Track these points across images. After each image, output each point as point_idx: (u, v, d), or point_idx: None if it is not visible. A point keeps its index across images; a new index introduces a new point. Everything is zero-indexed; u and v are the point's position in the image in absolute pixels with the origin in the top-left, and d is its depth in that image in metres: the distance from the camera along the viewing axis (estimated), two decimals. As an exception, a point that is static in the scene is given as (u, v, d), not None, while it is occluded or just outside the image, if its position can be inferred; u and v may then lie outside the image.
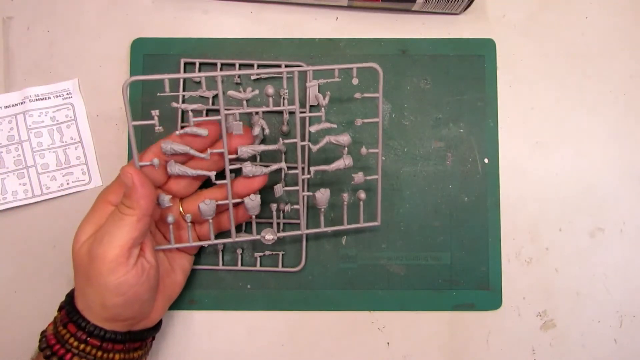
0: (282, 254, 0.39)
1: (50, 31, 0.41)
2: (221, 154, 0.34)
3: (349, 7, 0.42)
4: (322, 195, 0.36)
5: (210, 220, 0.35)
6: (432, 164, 0.40)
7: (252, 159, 0.38)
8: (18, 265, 0.39)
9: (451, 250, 0.39)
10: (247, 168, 0.34)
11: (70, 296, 0.33)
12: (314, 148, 0.36)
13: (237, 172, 0.36)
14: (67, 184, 0.40)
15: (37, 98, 0.40)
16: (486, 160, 0.40)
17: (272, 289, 0.39)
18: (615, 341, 0.39)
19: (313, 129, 0.35)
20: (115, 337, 0.32)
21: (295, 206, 0.37)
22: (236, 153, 0.35)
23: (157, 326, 0.36)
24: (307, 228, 0.38)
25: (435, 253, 0.40)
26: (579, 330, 0.39)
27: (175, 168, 0.34)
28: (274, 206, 0.37)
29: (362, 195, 0.37)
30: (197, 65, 0.40)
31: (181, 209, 0.36)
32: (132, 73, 0.40)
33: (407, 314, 0.39)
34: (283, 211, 0.39)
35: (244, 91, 0.40)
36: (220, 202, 0.35)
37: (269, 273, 0.39)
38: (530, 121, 0.41)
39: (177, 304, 0.39)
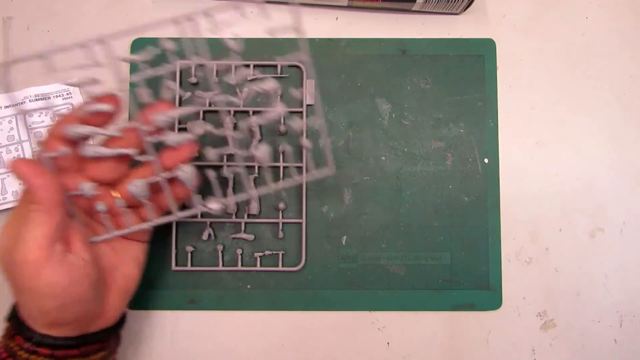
0: (282, 254, 0.39)
1: (50, 31, 0.41)
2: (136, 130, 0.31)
3: (349, 7, 0.42)
4: (261, 151, 0.33)
5: (147, 201, 0.32)
6: (432, 164, 0.40)
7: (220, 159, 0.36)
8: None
9: (451, 250, 0.39)
10: (171, 137, 0.31)
11: (15, 306, 0.31)
12: (240, 99, 0.33)
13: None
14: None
15: (37, 98, 0.40)
16: (486, 160, 0.40)
17: (272, 289, 0.39)
18: (615, 341, 0.39)
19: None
20: (68, 343, 0.30)
21: (238, 169, 0.34)
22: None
23: (119, 324, 0.34)
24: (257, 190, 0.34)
25: (435, 253, 0.40)
26: (579, 330, 0.39)
27: (89, 150, 0.30)
28: (211, 174, 0.33)
29: (307, 143, 0.33)
30: (193, 67, 0.40)
31: (116, 194, 0.32)
32: (132, 73, 0.40)
33: (407, 314, 0.39)
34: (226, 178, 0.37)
35: (240, 92, 0.40)
36: (151, 180, 0.31)
37: (269, 273, 0.39)
38: (530, 121, 0.41)
39: (177, 304, 0.39)
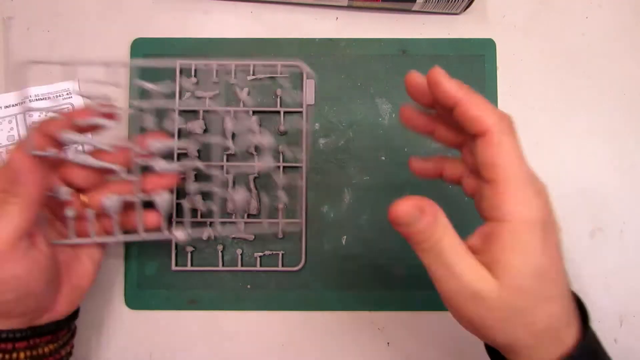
0: (282, 254, 0.39)
1: (50, 31, 0.41)
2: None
3: (349, 7, 0.42)
4: (238, 194, 0.34)
5: (115, 217, 0.32)
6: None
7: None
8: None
9: (451, 250, 0.39)
10: (159, 164, 0.32)
11: None
12: (232, 148, 0.35)
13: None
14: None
15: (37, 98, 0.40)
16: (486, 160, 0.40)
17: (272, 289, 0.39)
18: (615, 341, 0.39)
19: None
20: (14, 336, 0.29)
21: (214, 207, 0.35)
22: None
23: (71, 317, 0.33)
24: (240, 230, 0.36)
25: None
26: (579, 330, 0.39)
27: (78, 156, 0.31)
28: (185, 204, 0.35)
29: (282, 196, 0.35)
30: (193, 67, 0.40)
31: (86, 199, 0.33)
32: (132, 73, 0.40)
33: (407, 314, 0.39)
34: (198, 210, 0.38)
35: (241, 91, 0.40)
36: (126, 198, 0.32)
37: (269, 273, 0.39)
38: (530, 121, 0.41)
39: (177, 304, 0.39)
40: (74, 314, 0.34)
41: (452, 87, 0.25)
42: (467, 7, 0.40)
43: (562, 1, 0.42)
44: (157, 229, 0.34)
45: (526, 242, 0.24)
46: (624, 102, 0.41)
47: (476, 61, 0.41)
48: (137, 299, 0.38)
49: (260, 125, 0.40)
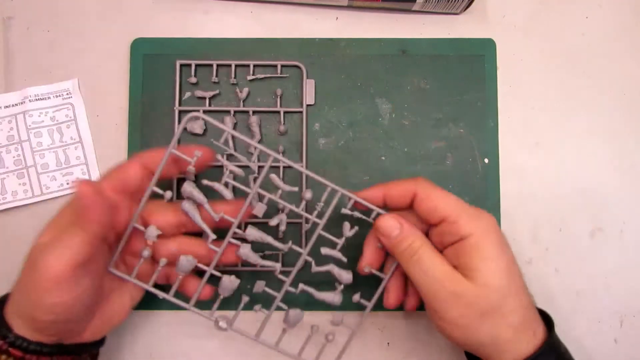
0: (282, 254, 0.39)
1: (50, 31, 0.41)
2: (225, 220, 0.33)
3: (349, 7, 0.42)
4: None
5: (180, 277, 0.33)
6: (432, 164, 0.40)
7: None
8: (18, 265, 0.39)
9: (451, 250, 0.39)
10: (243, 250, 0.33)
11: (1, 301, 0.31)
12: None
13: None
14: (67, 184, 0.40)
15: (37, 98, 0.40)
16: (486, 160, 0.40)
17: (272, 289, 0.39)
18: (615, 341, 0.39)
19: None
20: (41, 350, 0.30)
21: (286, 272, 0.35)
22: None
23: (97, 344, 0.34)
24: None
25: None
26: (579, 330, 0.39)
27: (187, 207, 0.32)
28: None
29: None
30: (193, 67, 0.40)
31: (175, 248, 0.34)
32: (132, 73, 0.40)
33: (407, 314, 0.39)
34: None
35: (240, 91, 0.40)
36: (199, 267, 0.33)
37: (268, 273, 0.39)
38: (530, 121, 0.41)
39: (177, 304, 0.39)
40: (100, 341, 0.34)
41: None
42: (467, 7, 0.40)
43: (562, 1, 0.42)
44: (203, 301, 0.35)
45: (487, 246, 0.30)
46: (624, 102, 0.41)
47: (476, 61, 0.41)
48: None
49: (260, 125, 0.40)
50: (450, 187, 0.40)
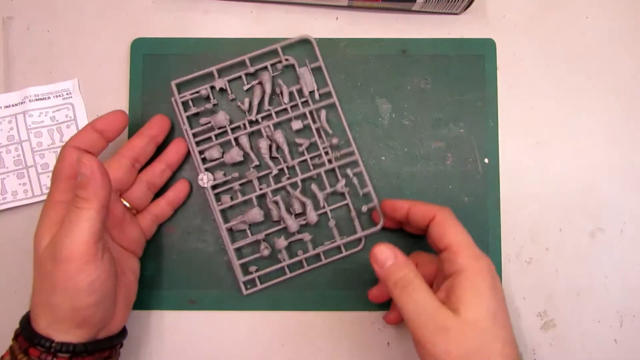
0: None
1: (50, 31, 0.41)
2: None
3: (349, 7, 0.42)
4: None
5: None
6: (432, 164, 0.40)
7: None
8: (18, 265, 0.39)
9: (451, 250, 0.39)
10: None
11: (27, 320, 0.31)
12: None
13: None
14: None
15: (37, 98, 0.40)
16: (486, 160, 0.40)
17: (272, 288, 0.39)
18: (615, 341, 0.39)
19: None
20: (85, 349, 0.30)
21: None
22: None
23: (123, 332, 0.35)
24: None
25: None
26: (579, 330, 0.39)
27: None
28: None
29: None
30: (189, 98, 0.39)
31: (127, 203, 0.36)
32: (132, 73, 0.40)
33: (407, 314, 0.39)
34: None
35: (242, 104, 0.39)
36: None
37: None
38: (530, 121, 0.41)
39: (177, 304, 0.39)
40: (124, 331, 0.35)
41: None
42: (467, 7, 0.40)
43: (562, 1, 0.42)
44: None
45: (479, 285, 0.30)
46: (624, 102, 0.41)
47: (476, 61, 0.41)
48: (137, 299, 0.38)
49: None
50: (450, 187, 0.40)
